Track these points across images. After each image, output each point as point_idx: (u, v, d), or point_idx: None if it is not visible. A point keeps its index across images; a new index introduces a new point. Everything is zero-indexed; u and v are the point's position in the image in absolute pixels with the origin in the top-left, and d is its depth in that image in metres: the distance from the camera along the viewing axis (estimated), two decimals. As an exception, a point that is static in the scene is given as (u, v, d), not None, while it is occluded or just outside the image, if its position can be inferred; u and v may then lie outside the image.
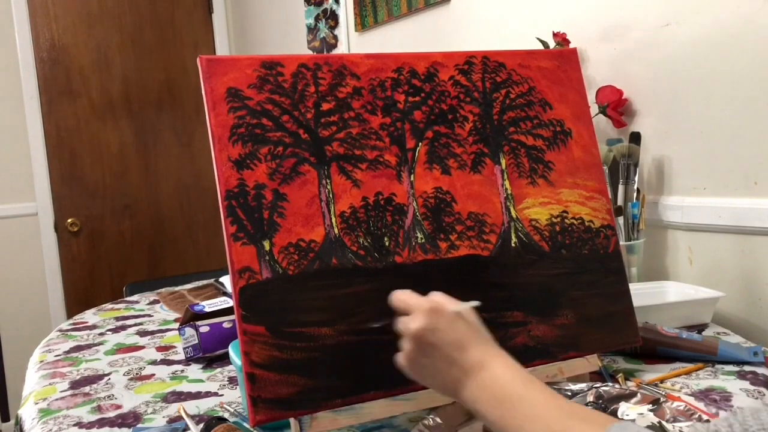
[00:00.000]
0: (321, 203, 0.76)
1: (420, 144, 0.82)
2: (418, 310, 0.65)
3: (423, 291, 0.77)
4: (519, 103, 0.89)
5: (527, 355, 0.81)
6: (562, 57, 0.93)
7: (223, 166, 0.73)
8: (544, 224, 0.86)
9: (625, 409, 0.78)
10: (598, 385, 0.83)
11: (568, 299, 0.85)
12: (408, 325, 0.65)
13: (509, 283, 0.82)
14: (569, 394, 0.83)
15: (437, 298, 0.66)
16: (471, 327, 0.65)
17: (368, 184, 0.78)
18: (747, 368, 0.95)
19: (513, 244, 0.84)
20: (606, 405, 0.80)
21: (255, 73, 0.76)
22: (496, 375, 0.61)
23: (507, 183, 0.85)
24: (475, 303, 0.67)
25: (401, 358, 0.66)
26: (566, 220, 0.88)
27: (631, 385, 0.89)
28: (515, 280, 0.83)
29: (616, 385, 0.83)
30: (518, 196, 0.86)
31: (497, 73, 0.88)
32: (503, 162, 0.86)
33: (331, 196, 0.76)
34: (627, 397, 0.80)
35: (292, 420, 0.71)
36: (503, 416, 0.58)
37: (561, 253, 0.86)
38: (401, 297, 0.68)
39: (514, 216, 0.85)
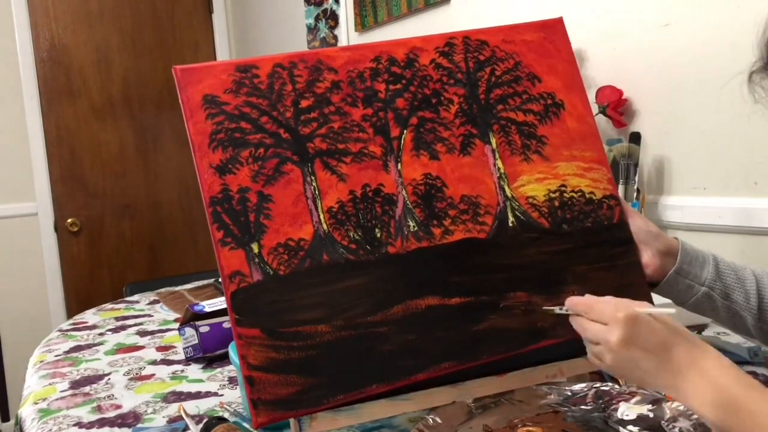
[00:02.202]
0: (307, 201, 0.75)
1: (405, 131, 0.81)
2: (612, 321, 0.65)
3: (419, 279, 0.76)
4: (505, 80, 0.87)
5: (534, 337, 0.79)
6: (548, 28, 0.91)
7: (205, 173, 0.72)
8: (542, 200, 0.84)
9: (625, 409, 0.78)
10: (598, 385, 0.83)
11: (573, 275, 0.83)
12: (606, 337, 0.65)
13: (510, 264, 0.81)
14: (569, 393, 0.83)
15: (620, 303, 0.66)
16: (669, 327, 0.65)
17: (354, 177, 0.78)
18: (747, 368, 0.95)
19: (510, 224, 0.82)
20: (606, 405, 0.80)
21: (230, 77, 0.76)
22: (710, 377, 0.62)
23: (499, 162, 0.84)
24: (671, 310, 0.67)
25: (598, 362, 0.67)
26: (565, 195, 0.85)
27: (631, 385, 0.89)
28: (516, 260, 0.81)
29: (616, 386, 0.83)
30: (512, 175, 0.84)
31: (480, 51, 0.87)
32: (493, 141, 0.84)
33: (317, 192, 0.76)
34: (627, 397, 0.80)
35: (291, 420, 0.71)
36: (727, 421, 0.59)
37: (562, 228, 0.84)
38: (586, 302, 0.69)
39: (509, 195, 0.83)
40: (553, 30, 0.91)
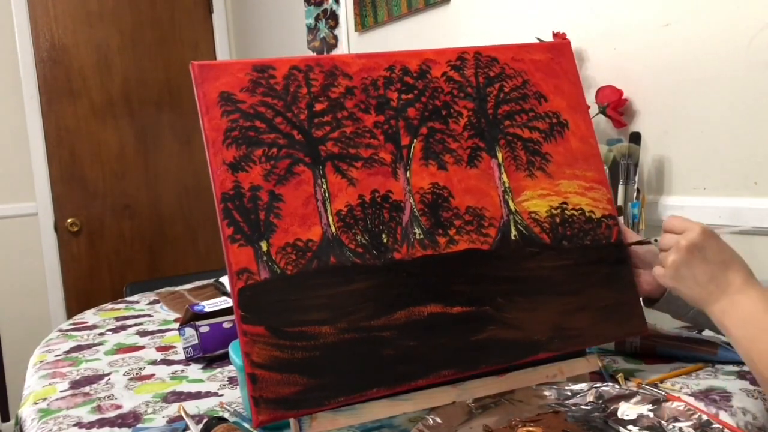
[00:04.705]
0: (317, 202, 0.76)
1: (415, 140, 0.82)
2: (692, 228, 0.75)
3: (422, 286, 0.77)
4: (513, 97, 0.89)
5: (532, 349, 0.80)
6: (556, 49, 0.94)
7: (218, 169, 0.73)
8: (544, 216, 0.86)
9: (625, 409, 0.79)
10: (598, 385, 0.83)
11: (571, 291, 0.84)
12: (678, 239, 0.75)
13: (511, 276, 0.82)
14: (569, 393, 0.83)
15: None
16: (735, 252, 0.76)
17: (364, 182, 0.78)
18: (747, 368, 0.95)
19: (513, 237, 0.83)
20: (606, 405, 0.80)
21: (247, 76, 0.76)
22: (751, 300, 0.72)
23: (504, 176, 0.85)
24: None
25: (660, 269, 0.78)
26: (566, 212, 0.87)
27: (631, 385, 0.89)
28: (517, 273, 0.82)
29: (616, 386, 0.83)
30: (516, 189, 0.86)
31: (490, 67, 0.88)
32: (500, 155, 0.86)
33: (327, 195, 0.76)
34: (627, 397, 0.80)
35: (291, 420, 0.71)
36: (748, 338, 0.70)
37: (562, 244, 0.86)
38: (675, 217, 0.79)
39: (513, 209, 0.85)
40: (561, 52, 0.94)
